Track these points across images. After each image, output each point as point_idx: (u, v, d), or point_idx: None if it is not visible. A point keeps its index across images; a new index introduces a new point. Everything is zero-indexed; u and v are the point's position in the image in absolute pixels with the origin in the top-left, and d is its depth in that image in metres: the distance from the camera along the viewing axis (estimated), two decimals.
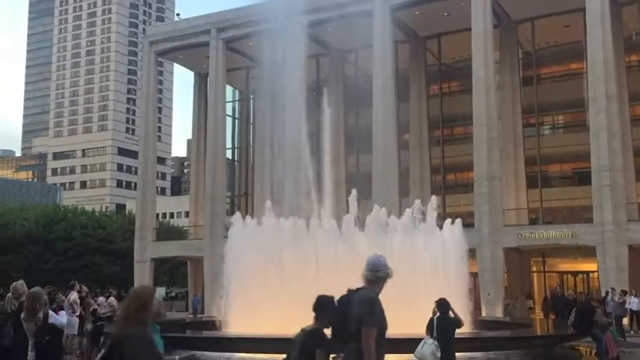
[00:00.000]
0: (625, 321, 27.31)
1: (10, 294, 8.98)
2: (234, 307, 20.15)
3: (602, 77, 32.59)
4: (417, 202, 22.02)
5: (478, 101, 35.04)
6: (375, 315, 5.52)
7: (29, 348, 8.56)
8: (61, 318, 10.34)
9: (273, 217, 22.39)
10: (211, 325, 22.20)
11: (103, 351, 4.95)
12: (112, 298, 19.38)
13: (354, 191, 23.54)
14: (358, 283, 5.80)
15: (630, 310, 27.61)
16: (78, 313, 17.55)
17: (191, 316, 37.23)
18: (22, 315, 8.51)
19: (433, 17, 39.31)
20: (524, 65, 41.45)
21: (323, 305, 5.81)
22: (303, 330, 5.75)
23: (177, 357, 13.76)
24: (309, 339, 5.65)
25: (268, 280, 20.12)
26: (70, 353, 16.87)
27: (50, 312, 9.32)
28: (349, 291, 5.74)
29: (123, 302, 4.95)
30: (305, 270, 19.86)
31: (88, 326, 17.20)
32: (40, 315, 8.59)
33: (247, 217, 22.97)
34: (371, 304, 5.53)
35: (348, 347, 5.49)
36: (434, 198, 23.13)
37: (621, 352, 17.58)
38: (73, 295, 17.71)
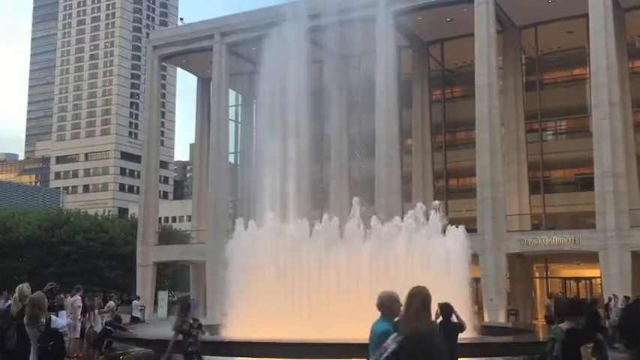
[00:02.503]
0: None
1: (16, 294, 9.02)
2: (236, 312, 20.14)
3: (605, 83, 32.58)
4: (420, 204, 22.00)
5: (481, 107, 35.04)
6: None
7: (31, 352, 8.58)
8: (61, 320, 10.36)
9: (275, 221, 22.38)
10: (213, 329, 22.18)
11: (393, 348, 5.16)
12: (111, 302, 19.40)
13: (355, 199, 23.48)
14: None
15: None
16: (80, 318, 17.55)
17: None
18: (25, 320, 8.54)
19: (436, 23, 39.35)
20: (527, 71, 41.44)
21: (572, 307, 6.55)
22: (558, 328, 6.44)
23: None
24: (570, 337, 6.31)
25: (270, 284, 20.11)
26: (71, 357, 16.86)
27: (52, 317, 9.36)
28: (638, 300, 6.36)
29: (405, 303, 5.31)
30: (308, 275, 19.86)
31: (96, 328, 17.24)
32: (43, 320, 8.63)
33: (251, 221, 22.90)
34: None
35: None
36: (437, 203, 23.09)
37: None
38: (74, 299, 17.71)
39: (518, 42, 40.71)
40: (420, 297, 5.25)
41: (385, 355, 5.11)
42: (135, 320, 33.92)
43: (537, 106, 40.12)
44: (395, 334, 5.20)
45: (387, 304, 5.89)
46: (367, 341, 5.68)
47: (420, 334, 5.03)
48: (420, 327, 5.07)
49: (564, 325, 6.39)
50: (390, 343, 5.15)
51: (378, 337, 5.67)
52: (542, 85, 41.33)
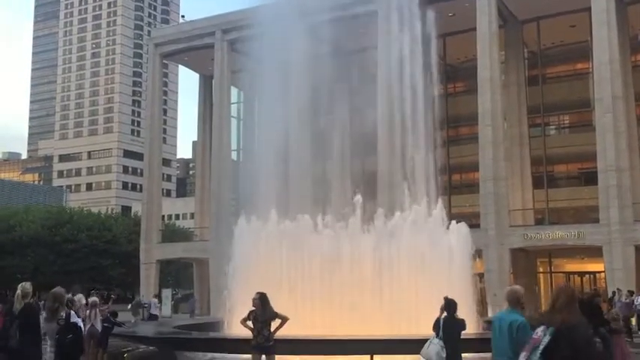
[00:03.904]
0: (632, 321, 27.17)
1: (18, 292, 9.01)
2: (240, 309, 20.09)
3: (608, 77, 32.47)
4: (424, 201, 21.97)
5: (483, 101, 34.97)
6: None
7: (48, 347, 8.69)
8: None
9: (277, 218, 22.34)
10: (217, 326, 22.18)
11: (547, 340, 5.49)
12: (93, 298, 19.37)
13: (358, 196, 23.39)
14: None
15: (638, 310, 27.46)
16: (83, 317, 17.56)
17: (198, 317, 37.47)
18: (44, 315, 8.65)
19: (438, 17, 39.15)
20: (529, 65, 41.29)
21: None
22: None
23: None
24: None
25: (273, 281, 20.06)
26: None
27: (72, 312, 9.48)
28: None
29: (553, 298, 5.73)
30: (310, 271, 19.83)
31: (98, 327, 17.26)
32: (63, 314, 8.76)
33: (253, 217, 22.85)
34: None
35: None
36: (440, 201, 23.04)
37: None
38: (79, 297, 17.72)
39: (520, 36, 40.56)
40: (567, 292, 5.69)
41: (542, 347, 5.43)
42: (153, 318, 34.05)
43: (540, 100, 39.99)
44: (543, 326, 5.55)
45: (515, 297, 6.55)
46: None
47: (569, 326, 5.42)
48: (568, 319, 5.46)
49: None
50: (542, 335, 5.50)
51: (517, 328, 6.20)
52: (545, 80, 41.20)
